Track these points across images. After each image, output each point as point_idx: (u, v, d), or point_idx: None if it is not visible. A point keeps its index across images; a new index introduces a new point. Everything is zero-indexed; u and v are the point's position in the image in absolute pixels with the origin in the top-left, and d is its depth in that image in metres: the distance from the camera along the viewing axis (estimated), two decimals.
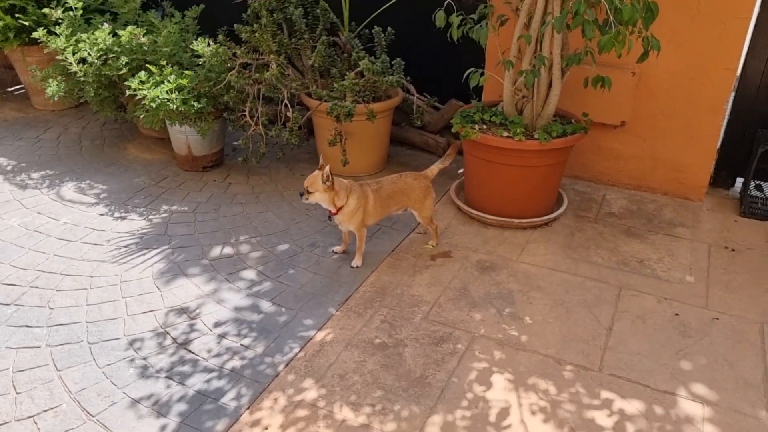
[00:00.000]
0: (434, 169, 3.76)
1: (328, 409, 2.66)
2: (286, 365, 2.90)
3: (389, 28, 4.56)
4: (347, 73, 4.40)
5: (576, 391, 2.75)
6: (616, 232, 4.01)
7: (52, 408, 2.65)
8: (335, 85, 4.33)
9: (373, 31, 4.56)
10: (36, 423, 2.58)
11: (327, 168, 3.36)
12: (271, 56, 4.28)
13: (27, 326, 3.12)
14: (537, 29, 3.64)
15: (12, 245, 3.79)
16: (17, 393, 2.73)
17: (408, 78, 4.69)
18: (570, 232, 4.01)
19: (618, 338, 3.08)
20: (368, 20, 4.67)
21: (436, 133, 5.08)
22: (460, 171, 4.76)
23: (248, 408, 2.66)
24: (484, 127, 3.95)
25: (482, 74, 3.73)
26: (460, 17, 3.63)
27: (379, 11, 4.60)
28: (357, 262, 3.64)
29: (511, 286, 3.47)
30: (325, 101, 4.31)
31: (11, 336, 3.05)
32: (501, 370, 2.87)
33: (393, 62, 4.45)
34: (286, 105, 4.39)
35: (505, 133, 3.82)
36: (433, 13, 3.65)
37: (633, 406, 2.67)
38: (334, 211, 3.50)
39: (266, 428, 2.56)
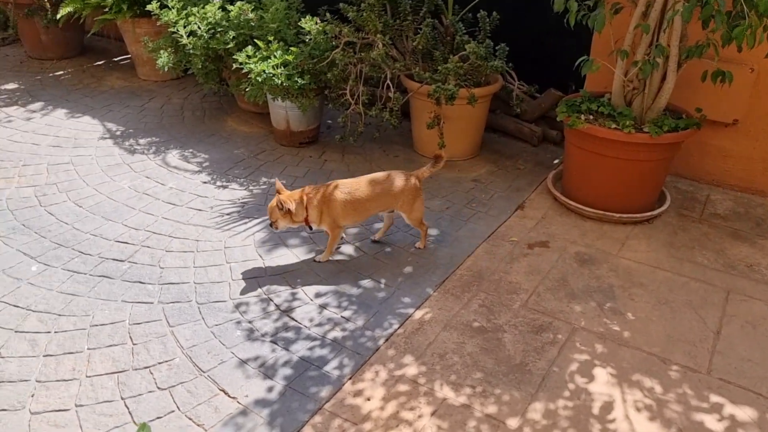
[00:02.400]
0: (425, 171, 3.51)
1: (428, 386, 2.68)
2: (386, 340, 2.94)
3: (494, 13, 4.51)
4: (450, 56, 4.38)
5: (683, 392, 2.68)
6: (722, 234, 3.85)
7: (166, 361, 2.79)
8: (438, 68, 4.32)
9: (478, 15, 4.51)
10: (152, 373, 2.72)
11: (277, 197, 3.26)
12: (377, 36, 4.31)
13: (140, 282, 3.28)
14: (656, 18, 3.52)
15: (124, 206, 3.98)
16: (134, 344, 2.88)
17: (510, 65, 4.63)
18: (672, 230, 3.88)
19: (727, 342, 2.97)
20: (473, 4, 4.63)
21: (532, 122, 5.00)
22: (556, 161, 4.67)
23: (350, 378, 2.72)
24: (591, 117, 3.86)
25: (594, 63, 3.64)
26: (577, 2, 3.55)
27: None
28: (321, 257, 3.50)
29: (611, 280, 3.40)
30: (427, 83, 4.31)
31: (127, 291, 3.22)
32: (603, 364, 2.82)
33: (497, 47, 4.40)
34: (387, 86, 4.41)
35: (613, 125, 3.72)
36: None
37: (745, 413, 2.58)
38: (305, 226, 3.41)
39: (368, 399, 2.61)
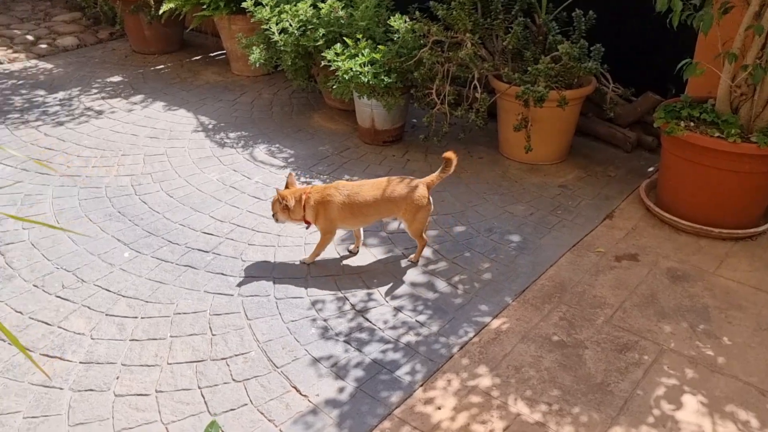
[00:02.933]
0: (434, 178, 3.30)
1: (502, 399, 2.60)
2: (461, 348, 2.87)
3: (590, 12, 4.31)
4: (541, 57, 4.23)
5: None
6: None
7: (243, 354, 2.84)
8: (528, 68, 4.18)
9: (573, 14, 4.33)
10: (228, 365, 2.78)
11: (278, 190, 3.28)
12: (467, 35, 4.22)
13: (223, 274, 3.37)
14: None
15: (211, 198, 4.11)
16: (213, 335, 2.96)
17: (605, 66, 4.43)
18: None
19: None
20: (568, 2, 4.45)
21: (626, 126, 4.76)
22: (651, 169, 4.43)
23: (422, 385, 2.68)
24: (691, 124, 3.62)
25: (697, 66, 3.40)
26: (682, 2, 3.33)
27: None
28: (306, 258, 3.44)
29: (706, 300, 3.17)
30: (516, 84, 4.18)
31: (209, 281, 3.31)
32: (693, 391, 2.63)
33: (592, 48, 4.21)
34: (474, 86, 4.32)
35: (717, 133, 3.47)
36: None
37: None
38: (304, 225, 3.40)
39: (439, 408, 2.56)
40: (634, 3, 4.44)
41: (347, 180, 3.41)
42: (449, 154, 3.25)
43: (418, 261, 3.47)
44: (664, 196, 3.88)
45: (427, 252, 3.56)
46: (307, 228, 3.52)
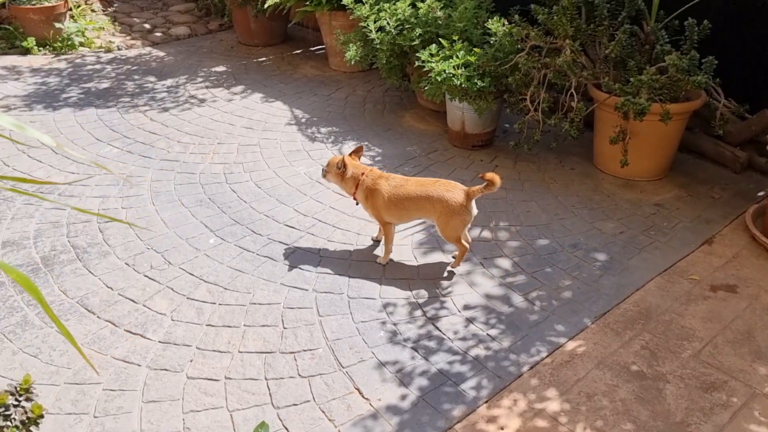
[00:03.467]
0: (477, 190, 3.16)
1: (569, 427, 2.48)
2: (531, 368, 2.77)
3: (705, 21, 4.02)
4: (646, 67, 3.99)
5: None
6: None
7: (311, 350, 2.88)
8: (630, 78, 3.96)
9: (685, 23, 4.06)
10: (295, 359, 2.82)
11: (345, 156, 3.39)
12: (566, 41, 4.06)
13: (300, 268, 3.42)
14: None
15: (297, 191, 4.19)
16: (284, 328, 3.01)
17: (717, 80, 4.12)
18: None
19: None
20: (681, 10, 4.17)
21: (736, 145, 4.42)
22: (761, 194, 4.09)
23: (486, 402, 2.60)
24: None
25: None
26: None
27: (696, 0, 4.08)
28: (381, 259, 3.46)
29: None
30: (616, 95, 3.98)
31: (287, 274, 3.38)
32: None
33: (703, 60, 3.93)
34: (571, 94, 4.15)
35: None
36: (762, 6, 3.10)
37: None
38: (350, 196, 3.47)
39: (502, 428, 2.48)
40: (753, 14, 4.11)
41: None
42: (491, 175, 3.12)
43: (456, 267, 3.41)
44: None
45: (506, 264, 3.46)
46: (356, 204, 3.56)
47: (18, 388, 1.51)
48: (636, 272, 3.38)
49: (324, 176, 3.52)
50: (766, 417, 2.51)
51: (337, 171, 3.40)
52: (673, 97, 4.00)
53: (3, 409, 1.47)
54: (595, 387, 2.67)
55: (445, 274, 3.37)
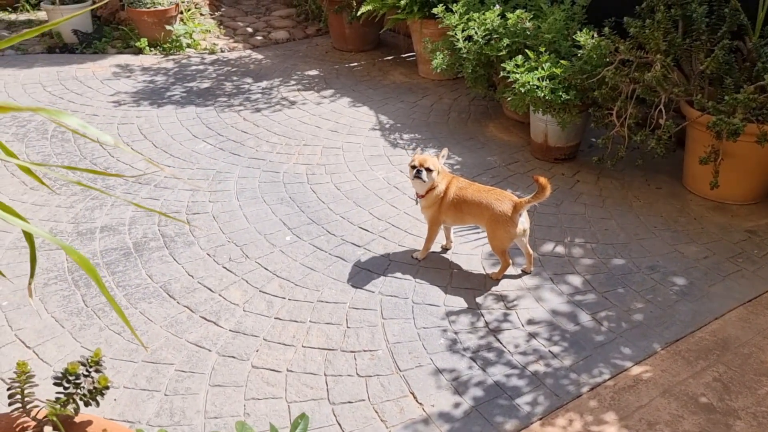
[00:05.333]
0: (525, 200, 3.17)
1: None
2: (591, 389, 2.71)
3: None
4: (744, 85, 3.78)
5: None
6: None
7: (371, 351, 2.95)
8: (726, 97, 3.77)
9: None
10: (355, 359, 2.90)
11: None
12: (657, 56, 3.91)
13: (368, 270, 3.50)
14: None
15: (374, 195, 4.28)
16: (347, 327, 3.10)
17: None
18: None
19: None
20: None
21: None
22: None
23: (541, 419, 2.57)
24: None
25: None
26: None
27: None
28: (418, 254, 3.56)
29: None
30: (709, 113, 3.79)
31: (355, 275, 3.47)
32: None
33: None
34: (660, 110, 4.00)
35: None
36: None
37: None
38: (422, 194, 3.40)
39: None
40: None
41: (510, 192, 3.37)
42: (543, 180, 3.10)
43: (498, 280, 3.39)
44: None
45: (576, 281, 3.39)
46: (416, 203, 3.60)
47: (89, 360, 1.67)
48: (716, 300, 3.22)
49: (413, 168, 3.38)
50: None
51: (428, 172, 3.35)
52: None
53: (74, 377, 1.62)
54: (657, 415, 2.57)
55: (509, 283, 3.35)
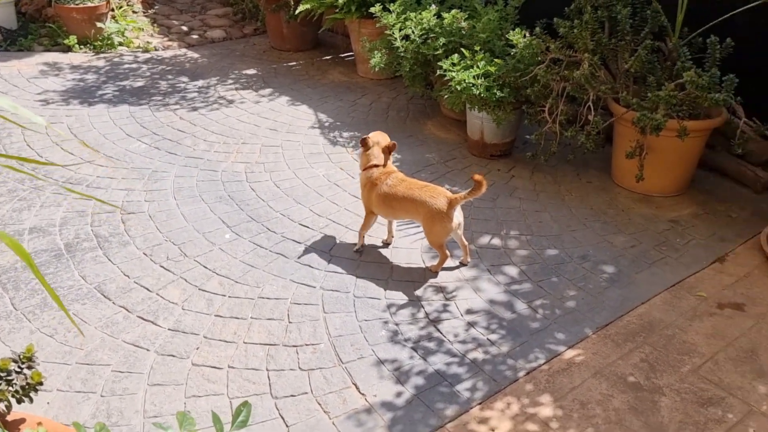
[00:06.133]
0: (460, 197, 3.27)
1: None
2: (527, 373, 2.80)
3: (728, 39, 4.01)
4: (665, 83, 3.99)
5: None
6: None
7: (313, 344, 2.96)
8: (649, 94, 3.97)
9: (707, 41, 4.04)
10: (297, 353, 2.90)
11: (380, 144, 3.59)
12: (585, 55, 4.09)
13: (309, 266, 3.51)
14: None
15: (314, 192, 4.29)
16: (289, 322, 3.10)
17: (738, 99, 4.09)
18: None
19: None
20: (705, 28, 4.16)
21: (758, 165, 4.38)
22: None
23: (480, 403, 2.64)
24: None
25: None
26: None
27: (720, 19, 4.07)
28: (357, 247, 3.66)
29: None
30: (633, 110, 3.99)
31: (296, 271, 3.47)
32: None
33: (724, 78, 3.91)
34: (589, 107, 4.17)
35: None
36: None
37: None
38: (361, 168, 3.64)
39: (493, 430, 2.52)
40: None
41: (446, 188, 3.43)
42: (479, 177, 3.21)
43: (436, 272, 3.47)
44: None
45: (513, 272, 3.50)
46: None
47: (21, 356, 1.62)
48: (643, 286, 3.38)
49: (362, 143, 3.64)
50: None
51: (364, 150, 3.60)
52: (692, 114, 3.99)
53: (5, 374, 1.58)
54: (589, 395, 2.68)
55: (447, 275, 3.42)
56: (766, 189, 4.34)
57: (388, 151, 3.62)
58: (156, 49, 7.21)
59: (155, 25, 8.01)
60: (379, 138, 3.63)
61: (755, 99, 4.22)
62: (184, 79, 6.31)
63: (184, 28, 7.99)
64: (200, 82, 6.22)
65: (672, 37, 4.26)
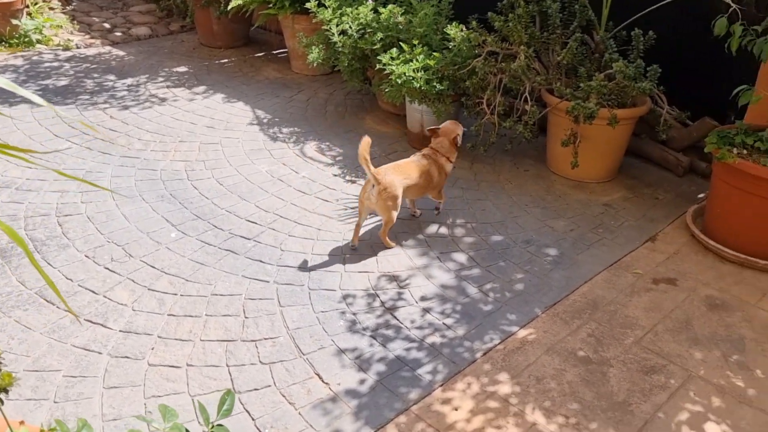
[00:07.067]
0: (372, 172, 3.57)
1: (519, 407, 2.61)
2: (484, 354, 2.90)
3: (650, 32, 4.26)
4: (595, 74, 4.20)
5: None
6: None
7: (272, 338, 2.94)
8: (581, 84, 4.17)
9: (632, 33, 4.29)
10: (257, 347, 2.89)
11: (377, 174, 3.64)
12: (521, 47, 4.24)
13: (261, 261, 3.49)
14: None
15: (258, 188, 4.25)
16: (246, 317, 3.07)
17: (661, 88, 4.36)
18: None
19: None
20: (628, 21, 4.40)
21: (680, 150, 4.67)
22: (701, 196, 4.33)
23: (441, 385, 2.71)
24: (744, 152, 3.54)
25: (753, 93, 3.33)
26: (742, 27, 3.27)
27: (642, 13, 4.32)
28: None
29: (743, 331, 3.10)
30: (567, 100, 4.17)
31: (248, 267, 3.43)
32: (718, 420, 2.58)
33: (648, 69, 4.15)
34: (525, 98, 4.33)
35: None
36: (702, 20, 3.34)
37: None
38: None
39: (456, 409, 2.59)
40: (696, 26, 4.37)
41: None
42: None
43: (391, 246, 3.67)
44: (710, 223, 3.80)
45: (462, 258, 3.60)
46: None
47: None
48: (584, 266, 3.56)
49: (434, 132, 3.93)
50: (700, 397, 2.69)
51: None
52: (620, 103, 4.22)
53: None
54: (543, 371, 2.81)
55: (400, 264, 3.48)
56: (687, 172, 4.63)
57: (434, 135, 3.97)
58: (78, 47, 6.92)
59: (75, 22, 7.68)
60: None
61: (675, 88, 4.50)
62: (112, 77, 6.09)
63: (107, 25, 7.70)
64: (129, 80, 6.02)
65: (599, 30, 4.48)
